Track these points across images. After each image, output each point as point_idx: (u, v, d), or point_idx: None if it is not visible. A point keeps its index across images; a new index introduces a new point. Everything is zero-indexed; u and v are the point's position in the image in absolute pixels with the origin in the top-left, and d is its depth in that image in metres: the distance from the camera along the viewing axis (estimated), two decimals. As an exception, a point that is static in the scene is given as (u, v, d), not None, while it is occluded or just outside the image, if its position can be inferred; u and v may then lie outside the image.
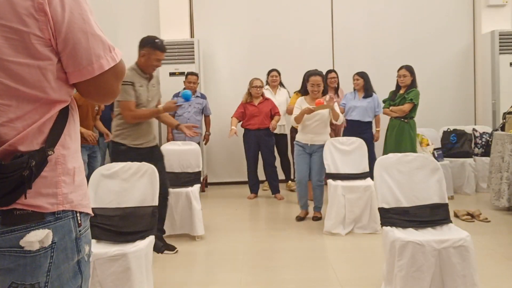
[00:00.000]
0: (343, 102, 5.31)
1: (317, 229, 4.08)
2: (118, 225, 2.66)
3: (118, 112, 3.33)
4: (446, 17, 6.43)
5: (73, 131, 1.09)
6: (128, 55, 6.45)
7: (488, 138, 5.54)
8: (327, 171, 4.28)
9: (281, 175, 5.70)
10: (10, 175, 0.92)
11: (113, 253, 2.36)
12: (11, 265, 0.95)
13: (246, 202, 5.38)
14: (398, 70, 4.75)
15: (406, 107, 4.60)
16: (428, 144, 5.05)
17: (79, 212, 1.07)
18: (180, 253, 3.51)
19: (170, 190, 3.85)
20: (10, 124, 0.95)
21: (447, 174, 4.84)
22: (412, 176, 2.78)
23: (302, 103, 4.31)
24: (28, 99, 0.97)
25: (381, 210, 2.71)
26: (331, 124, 4.55)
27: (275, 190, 5.50)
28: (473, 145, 5.66)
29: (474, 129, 5.74)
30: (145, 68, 3.33)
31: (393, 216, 2.66)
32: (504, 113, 4.89)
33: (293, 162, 4.47)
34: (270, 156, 5.46)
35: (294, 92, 5.32)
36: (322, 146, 4.26)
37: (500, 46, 5.94)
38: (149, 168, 2.84)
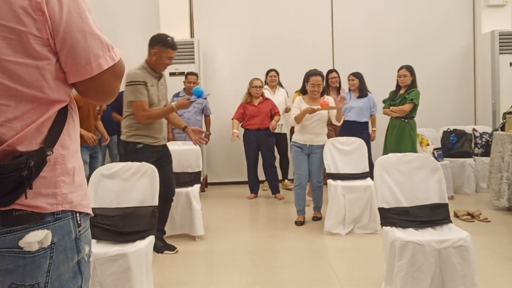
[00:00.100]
0: None
1: (317, 229, 4.08)
2: (118, 225, 2.66)
3: (130, 112, 3.25)
4: (446, 17, 6.43)
5: (73, 131, 1.08)
6: (128, 54, 6.50)
7: (488, 138, 5.55)
8: (327, 171, 4.28)
9: (279, 174, 5.70)
10: (8, 175, 0.91)
11: (113, 253, 2.36)
12: (11, 265, 0.95)
13: (246, 202, 5.38)
14: (398, 70, 4.75)
15: (407, 107, 4.60)
16: (428, 144, 5.05)
17: (78, 212, 1.06)
18: (180, 253, 3.51)
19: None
20: (9, 124, 0.95)
21: (447, 174, 4.84)
22: (412, 176, 2.78)
23: (300, 102, 4.25)
24: (26, 99, 0.97)
25: (381, 210, 2.71)
26: (332, 124, 4.55)
27: (275, 190, 5.50)
28: (473, 145, 5.66)
29: (474, 129, 5.74)
30: (156, 67, 3.26)
31: (393, 216, 2.66)
32: (504, 113, 4.89)
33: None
34: (270, 156, 5.46)
35: (296, 92, 5.32)
36: (320, 147, 4.23)
37: (500, 46, 5.94)
38: (149, 168, 2.84)
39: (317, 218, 4.32)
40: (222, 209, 5.05)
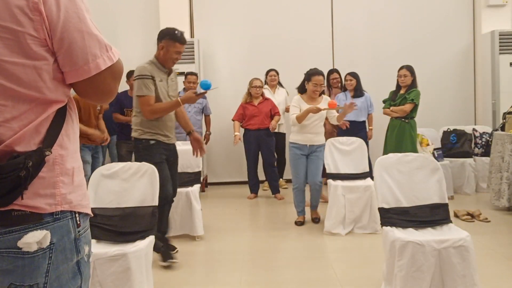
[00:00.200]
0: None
1: (317, 229, 4.08)
2: (118, 225, 2.66)
3: (140, 109, 3.16)
4: (446, 17, 6.43)
5: (72, 131, 1.08)
6: (128, 54, 6.51)
7: (488, 138, 5.55)
8: (327, 171, 4.27)
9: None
10: (6, 176, 0.91)
11: (113, 253, 2.36)
12: (10, 266, 0.95)
13: (246, 202, 5.38)
14: (399, 70, 4.75)
15: (407, 107, 4.60)
16: (428, 144, 5.05)
17: (78, 212, 1.06)
18: (180, 253, 3.50)
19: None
20: (6, 124, 0.95)
21: (447, 174, 4.84)
22: (412, 176, 2.78)
23: (300, 102, 4.17)
24: (24, 99, 0.96)
25: (381, 210, 2.71)
26: (332, 124, 4.55)
27: (275, 190, 5.51)
28: (473, 145, 5.66)
29: (474, 129, 5.74)
30: (165, 62, 3.16)
31: (393, 216, 2.66)
32: (504, 113, 4.89)
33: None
34: (270, 156, 5.46)
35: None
36: (321, 146, 4.20)
37: (500, 46, 5.94)
38: (149, 168, 2.84)
39: (317, 220, 4.26)
40: (222, 209, 5.05)
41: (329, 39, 6.47)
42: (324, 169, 4.28)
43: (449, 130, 5.74)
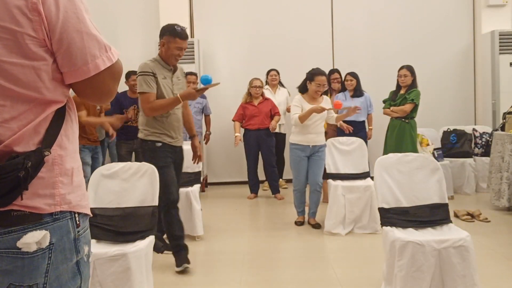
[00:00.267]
0: None
1: (317, 229, 4.08)
2: (118, 225, 2.66)
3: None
4: (446, 17, 6.43)
5: (71, 131, 1.08)
6: (128, 55, 6.51)
7: (488, 138, 5.55)
8: (327, 171, 4.27)
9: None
10: (5, 176, 0.91)
11: (113, 253, 2.36)
12: (9, 266, 0.95)
13: (246, 202, 5.38)
14: (399, 70, 4.75)
15: (407, 107, 4.59)
16: (428, 144, 5.05)
17: (77, 212, 1.06)
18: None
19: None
20: (5, 124, 0.95)
21: (447, 174, 4.84)
22: (412, 176, 2.78)
23: (302, 101, 4.11)
24: (23, 100, 0.96)
25: (381, 210, 2.71)
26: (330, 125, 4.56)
27: (275, 190, 5.51)
28: (473, 145, 5.66)
29: (474, 129, 5.74)
30: (167, 59, 3.08)
31: (393, 216, 2.66)
32: (504, 113, 4.89)
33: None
34: (270, 156, 5.46)
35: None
36: (322, 147, 4.17)
37: (500, 46, 5.94)
38: (149, 168, 2.83)
39: (318, 226, 4.14)
40: (222, 209, 5.04)
41: (329, 39, 6.47)
42: (324, 170, 4.27)
43: (449, 130, 5.75)
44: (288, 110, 5.69)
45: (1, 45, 0.92)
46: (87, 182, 2.79)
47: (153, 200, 2.75)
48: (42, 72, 0.97)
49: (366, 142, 5.00)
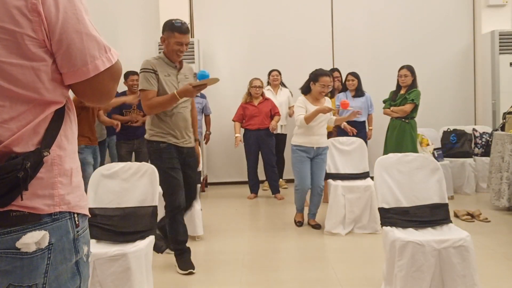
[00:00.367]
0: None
1: (317, 230, 4.08)
2: (118, 225, 2.66)
3: None
4: (446, 17, 6.43)
5: (70, 131, 1.08)
6: (127, 55, 6.50)
7: (488, 138, 5.55)
8: (327, 171, 4.27)
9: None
10: (5, 176, 0.91)
11: (113, 253, 2.36)
12: (8, 267, 0.95)
13: (246, 202, 5.38)
14: (399, 70, 4.75)
15: (408, 107, 4.59)
16: (428, 144, 5.05)
17: (76, 213, 1.06)
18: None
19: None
20: (4, 125, 0.94)
21: (447, 174, 4.85)
22: (412, 176, 2.78)
23: (305, 103, 4.00)
24: (22, 100, 0.96)
25: (381, 210, 2.71)
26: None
27: (275, 190, 5.51)
28: (473, 145, 5.66)
29: (474, 129, 5.74)
30: (170, 55, 3.00)
31: (393, 216, 2.66)
32: (504, 113, 4.89)
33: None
34: (271, 156, 5.46)
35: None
36: (325, 149, 4.12)
37: (500, 46, 5.94)
38: (149, 168, 2.84)
39: (318, 226, 4.13)
40: (222, 209, 5.04)
41: (329, 39, 6.47)
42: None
43: (449, 130, 5.75)
44: (290, 115, 5.69)
45: (0, 45, 0.92)
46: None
47: (153, 200, 2.75)
48: (41, 72, 0.97)
49: (366, 142, 5.00)
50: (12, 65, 0.93)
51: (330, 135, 4.89)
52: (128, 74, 5.04)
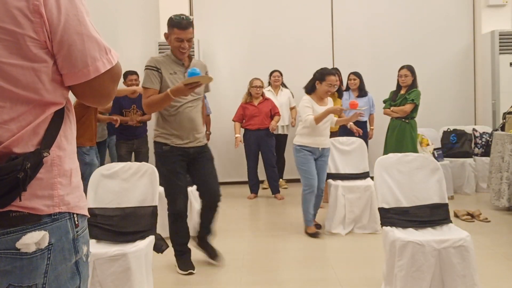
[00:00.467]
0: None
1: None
2: (118, 225, 2.66)
3: None
4: (446, 17, 6.43)
5: (70, 132, 1.08)
6: (128, 55, 6.49)
7: (488, 138, 5.55)
8: (327, 171, 4.27)
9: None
10: (4, 177, 0.91)
11: (113, 253, 2.36)
12: (8, 267, 0.95)
13: (246, 202, 5.38)
14: (399, 70, 4.75)
15: (408, 107, 4.59)
16: (428, 144, 5.05)
17: (76, 213, 1.06)
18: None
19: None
20: (4, 126, 0.94)
21: (447, 174, 4.85)
22: (412, 176, 2.78)
23: (312, 102, 3.88)
24: (22, 101, 0.96)
25: (381, 210, 2.71)
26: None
27: (275, 190, 5.51)
28: (473, 145, 5.66)
29: (474, 129, 5.74)
30: (174, 53, 2.90)
31: (393, 216, 2.66)
32: (504, 113, 4.89)
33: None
34: (271, 156, 5.46)
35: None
36: (328, 150, 4.06)
37: (500, 46, 5.94)
38: (149, 168, 2.83)
39: (318, 227, 4.10)
40: (222, 209, 4.99)
41: (329, 39, 6.47)
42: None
43: (449, 130, 5.75)
44: (294, 119, 5.68)
45: (1, 46, 0.92)
46: None
47: (153, 200, 2.75)
48: (42, 73, 0.97)
49: (367, 142, 5.01)
50: (12, 66, 0.93)
51: (334, 134, 4.89)
52: (127, 74, 5.04)
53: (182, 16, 2.81)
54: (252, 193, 5.56)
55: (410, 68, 4.67)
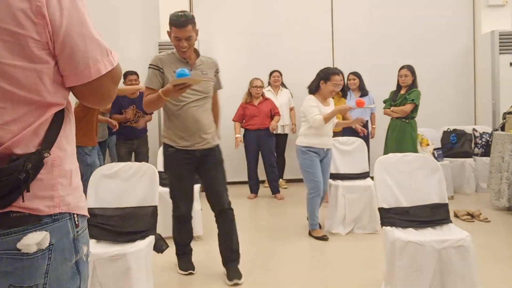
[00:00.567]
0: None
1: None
2: (118, 225, 2.66)
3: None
4: (446, 17, 6.44)
5: (70, 133, 1.08)
6: (128, 55, 6.49)
7: (488, 138, 5.55)
8: (327, 171, 4.27)
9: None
10: (6, 178, 0.91)
11: (113, 253, 2.36)
12: (9, 268, 0.95)
13: (246, 202, 5.38)
14: (399, 70, 4.74)
15: (408, 107, 4.59)
16: (428, 144, 5.06)
17: (76, 213, 1.06)
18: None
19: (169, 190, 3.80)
20: (6, 127, 0.95)
21: (447, 174, 4.84)
22: (412, 176, 2.78)
23: (317, 102, 3.81)
24: (24, 102, 0.96)
25: (381, 210, 2.71)
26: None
27: (275, 190, 5.51)
28: (473, 145, 5.66)
29: (474, 129, 5.75)
30: (177, 51, 2.80)
31: (393, 216, 2.66)
32: (504, 113, 4.90)
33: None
34: (271, 156, 5.47)
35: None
36: (330, 150, 4.02)
37: (500, 46, 5.94)
38: (149, 168, 2.83)
39: (320, 226, 4.07)
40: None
41: (329, 39, 6.47)
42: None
43: (449, 130, 5.75)
44: (290, 112, 5.68)
45: (4, 47, 0.92)
46: None
47: (153, 200, 2.75)
48: (44, 75, 0.97)
49: (368, 142, 5.01)
50: (15, 67, 0.93)
51: (338, 135, 4.89)
52: (127, 74, 5.05)
53: (180, 14, 2.69)
54: (252, 193, 5.57)
55: (410, 68, 4.67)
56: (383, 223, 2.67)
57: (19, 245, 0.95)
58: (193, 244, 3.47)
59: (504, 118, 4.85)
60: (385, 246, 2.59)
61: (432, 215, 2.69)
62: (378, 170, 2.77)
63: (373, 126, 5.53)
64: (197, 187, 4.05)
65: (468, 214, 4.31)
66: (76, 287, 1.07)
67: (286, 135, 5.87)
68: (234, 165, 6.39)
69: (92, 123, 4.24)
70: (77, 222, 1.06)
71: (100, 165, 3.99)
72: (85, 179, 3.14)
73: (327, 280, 2.97)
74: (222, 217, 3.04)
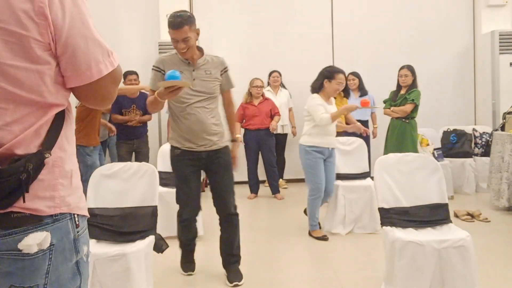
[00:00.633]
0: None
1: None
2: (118, 225, 2.66)
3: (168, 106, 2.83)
4: (446, 17, 6.44)
5: (70, 133, 1.08)
6: (128, 55, 6.49)
7: (488, 138, 5.55)
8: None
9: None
10: (7, 179, 0.91)
11: (113, 253, 2.36)
12: (10, 268, 0.95)
13: (246, 202, 5.38)
14: (400, 70, 4.74)
15: (408, 107, 4.59)
16: (428, 144, 5.06)
17: (76, 214, 1.06)
18: (179, 253, 3.50)
19: (169, 190, 3.80)
20: (7, 127, 0.95)
21: (447, 174, 4.85)
22: (412, 176, 2.78)
23: (322, 101, 3.75)
24: (25, 103, 0.96)
25: (381, 210, 2.71)
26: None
27: (275, 190, 5.51)
28: (473, 145, 5.66)
29: (474, 129, 5.75)
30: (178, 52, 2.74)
31: (393, 216, 2.66)
32: (504, 113, 4.90)
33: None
34: (270, 156, 5.47)
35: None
36: (335, 150, 3.98)
37: (500, 46, 5.94)
38: (149, 168, 2.83)
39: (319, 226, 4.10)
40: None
41: (329, 39, 6.47)
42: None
43: (449, 130, 5.75)
44: (289, 113, 5.68)
45: (6, 48, 0.92)
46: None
47: (153, 200, 2.75)
48: (45, 75, 0.97)
49: (368, 142, 5.01)
50: (17, 68, 0.93)
51: (340, 135, 4.89)
52: (126, 74, 5.05)
53: (176, 15, 2.62)
54: (252, 193, 5.57)
55: (410, 68, 4.67)
56: (383, 223, 2.67)
57: (20, 246, 0.95)
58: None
59: (504, 118, 4.85)
60: (385, 246, 2.59)
61: (432, 215, 2.69)
62: (378, 170, 2.77)
63: (375, 126, 5.53)
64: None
65: (468, 214, 4.31)
66: (77, 287, 1.07)
67: (286, 135, 5.88)
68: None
69: (94, 123, 4.24)
70: (77, 222, 1.06)
71: (102, 165, 3.99)
72: (84, 180, 3.14)
73: (327, 280, 2.97)
74: (227, 222, 2.99)
